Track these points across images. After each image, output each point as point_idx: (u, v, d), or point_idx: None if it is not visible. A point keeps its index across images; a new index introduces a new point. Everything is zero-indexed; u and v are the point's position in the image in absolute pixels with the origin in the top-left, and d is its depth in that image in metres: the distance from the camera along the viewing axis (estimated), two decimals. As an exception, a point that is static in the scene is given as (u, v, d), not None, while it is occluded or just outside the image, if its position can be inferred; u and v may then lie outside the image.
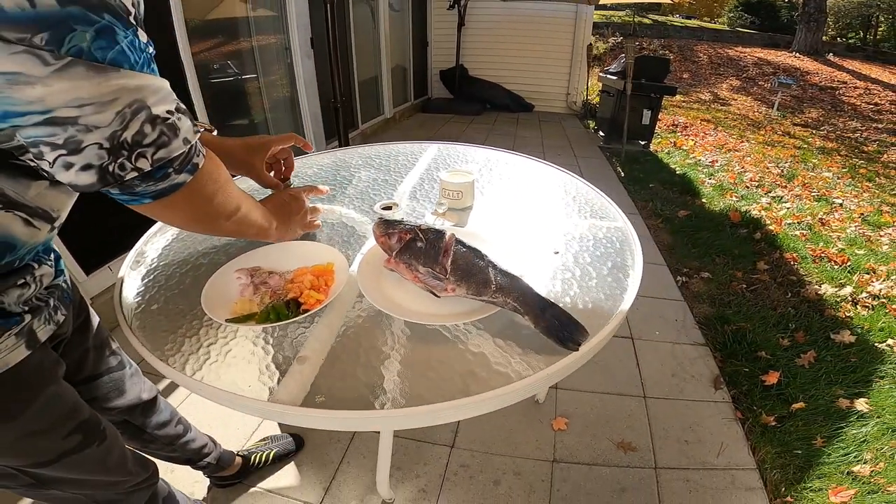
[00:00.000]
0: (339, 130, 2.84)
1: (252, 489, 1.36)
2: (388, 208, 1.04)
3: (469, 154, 1.45)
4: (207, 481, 1.33)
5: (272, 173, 0.96)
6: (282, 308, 0.71)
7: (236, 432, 1.54)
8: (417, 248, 0.68)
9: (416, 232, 0.70)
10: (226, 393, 0.60)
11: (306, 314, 0.70)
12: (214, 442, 1.24)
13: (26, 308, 0.60)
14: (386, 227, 0.74)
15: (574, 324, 0.60)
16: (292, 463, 1.44)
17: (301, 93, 3.60)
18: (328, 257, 0.82)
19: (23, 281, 0.58)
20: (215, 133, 0.83)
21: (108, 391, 0.89)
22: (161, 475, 0.95)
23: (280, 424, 1.54)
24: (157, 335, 0.71)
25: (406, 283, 0.72)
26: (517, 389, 0.57)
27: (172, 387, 1.70)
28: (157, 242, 0.99)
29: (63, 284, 0.71)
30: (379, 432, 1.28)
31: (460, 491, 1.37)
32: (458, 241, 0.69)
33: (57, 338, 0.71)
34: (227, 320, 0.70)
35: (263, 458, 1.38)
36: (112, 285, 1.98)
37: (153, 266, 0.90)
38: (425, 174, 1.28)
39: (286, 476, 1.40)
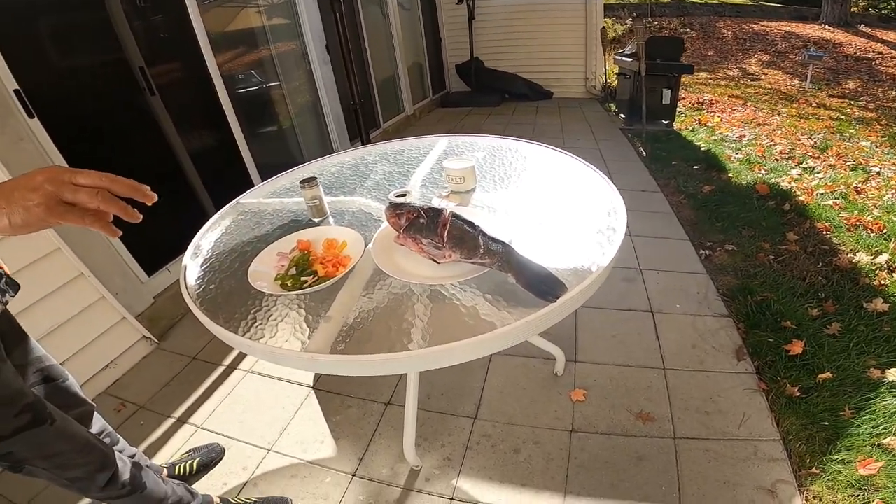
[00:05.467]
0: (361, 131, 2.99)
1: (295, 461, 1.51)
2: (402, 195, 1.15)
3: (476, 143, 1.55)
4: None
5: None
6: (303, 266, 0.87)
7: (269, 426, 1.66)
8: (420, 223, 0.80)
9: (419, 211, 0.82)
10: (271, 349, 0.74)
11: (328, 281, 0.85)
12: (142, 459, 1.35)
13: None
14: (395, 209, 0.86)
15: (553, 280, 0.71)
16: (330, 436, 1.58)
17: (322, 97, 3.76)
18: (345, 237, 0.96)
19: None
20: None
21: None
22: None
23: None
24: (216, 309, 0.88)
25: (413, 255, 0.85)
26: (501, 335, 0.67)
27: (223, 378, 1.90)
28: (209, 237, 1.17)
29: None
30: (404, 407, 1.40)
31: (482, 459, 1.47)
32: (455, 216, 0.81)
33: None
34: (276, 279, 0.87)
35: (187, 468, 1.46)
36: (170, 285, 2.23)
37: (208, 256, 1.08)
38: (435, 164, 1.39)
39: (325, 448, 1.55)
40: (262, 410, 1.72)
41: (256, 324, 0.82)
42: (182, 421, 1.72)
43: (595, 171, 1.20)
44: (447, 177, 1.13)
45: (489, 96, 6.81)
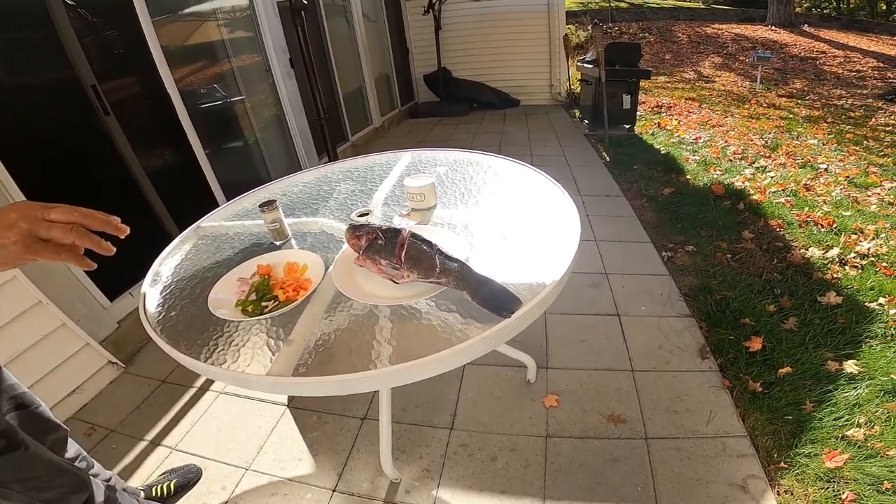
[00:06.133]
0: (327, 146, 2.98)
1: (274, 479, 1.49)
2: (364, 215, 1.16)
3: (439, 157, 1.57)
4: None
5: None
6: (263, 291, 0.88)
7: (245, 446, 1.64)
8: (379, 245, 0.82)
9: (377, 232, 0.83)
10: (234, 374, 0.75)
11: (289, 305, 0.86)
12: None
13: None
14: (354, 231, 0.88)
15: (508, 295, 0.73)
16: (308, 452, 1.57)
17: (287, 112, 3.72)
18: (306, 260, 0.96)
19: None
20: None
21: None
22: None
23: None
24: (177, 336, 0.88)
25: (373, 275, 0.86)
26: (459, 351, 0.69)
27: (195, 399, 1.86)
28: (169, 263, 1.15)
29: None
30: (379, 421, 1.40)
31: (461, 469, 1.48)
32: (414, 236, 0.83)
33: None
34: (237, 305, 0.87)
35: (164, 490, 1.44)
36: (134, 309, 2.18)
37: (168, 283, 1.06)
38: (398, 181, 1.41)
39: (303, 465, 1.53)
40: (238, 430, 1.69)
41: (219, 349, 0.82)
42: (155, 443, 1.68)
43: (553, 182, 1.23)
44: (408, 195, 1.15)
45: (458, 106, 6.89)
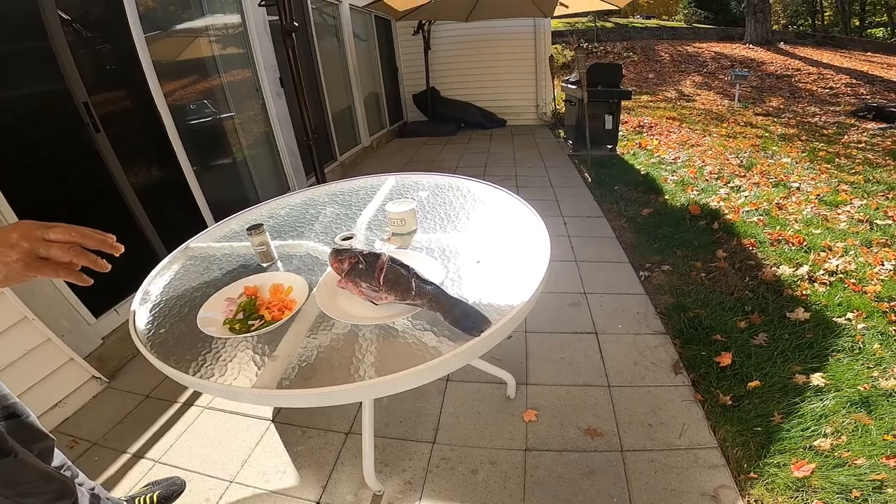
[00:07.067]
0: (315, 166, 3.04)
1: (258, 492, 1.51)
2: (348, 239, 1.22)
3: (422, 182, 1.64)
4: None
5: None
6: (249, 311, 0.93)
7: (229, 459, 1.67)
8: (360, 269, 0.89)
9: (359, 257, 0.90)
10: (221, 386, 0.80)
11: (274, 324, 0.92)
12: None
13: None
14: (337, 255, 0.94)
15: (479, 316, 0.80)
16: (292, 465, 1.59)
17: (277, 132, 3.78)
18: (291, 282, 1.02)
19: None
20: None
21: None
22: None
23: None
24: (166, 352, 0.92)
25: (354, 297, 0.92)
26: (432, 366, 0.76)
27: (179, 414, 1.88)
28: (158, 282, 1.20)
29: None
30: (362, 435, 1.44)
31: (442, 481, 1.52)
32: (393, 260, 0.89)
33: None
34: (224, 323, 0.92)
35: (147, 501, 1.46)
36: (119, 326, 2.19)
37: (157, 301, 1.11)
38: (381, 206, 1.48)
39: (288, 478, 1.56)
40: (222, 444, 1.72)
41: (207, 364, 0.87)
42: (139, 456, 1.70)
43: (528, 207, 1.31)
44: (389, 220, 1.22)
45: (446, 125, 7.02)
